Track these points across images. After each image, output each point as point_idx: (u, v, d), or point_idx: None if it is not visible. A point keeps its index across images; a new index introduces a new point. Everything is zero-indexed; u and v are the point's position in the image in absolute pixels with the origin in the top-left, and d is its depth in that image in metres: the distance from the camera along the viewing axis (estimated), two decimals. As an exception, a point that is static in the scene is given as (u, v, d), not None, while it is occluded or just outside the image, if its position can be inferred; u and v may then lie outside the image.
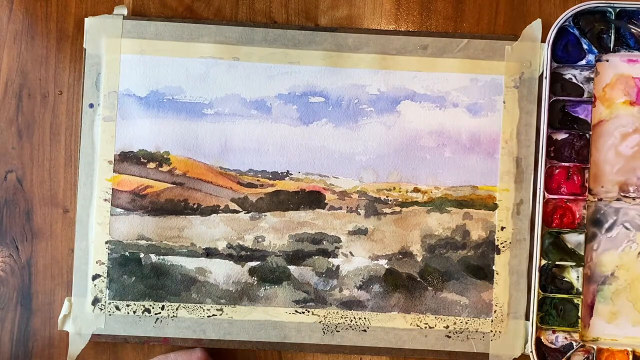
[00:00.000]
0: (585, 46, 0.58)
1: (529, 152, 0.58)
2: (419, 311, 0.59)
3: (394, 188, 0.59)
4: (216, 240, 0.59)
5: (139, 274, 0.58)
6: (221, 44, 0.59)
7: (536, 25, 0.58)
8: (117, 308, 0.58)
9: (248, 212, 0.59)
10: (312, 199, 0.59)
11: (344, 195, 0.59)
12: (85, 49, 0.58)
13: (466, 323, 0.59)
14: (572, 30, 0.58)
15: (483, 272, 0.59)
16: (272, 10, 0.60)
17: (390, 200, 0.59)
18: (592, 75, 0.58)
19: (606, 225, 0.59)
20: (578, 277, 0.58)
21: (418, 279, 0.59)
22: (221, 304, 0.59)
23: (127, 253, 0.58)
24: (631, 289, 0.59)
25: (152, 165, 0.59)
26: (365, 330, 0.59)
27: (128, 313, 0.58)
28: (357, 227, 0.59)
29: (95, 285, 0.58)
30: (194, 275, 0.59)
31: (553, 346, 0.59)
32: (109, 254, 0.58)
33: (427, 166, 0.59)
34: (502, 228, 0.59)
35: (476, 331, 0.59)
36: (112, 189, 0.58)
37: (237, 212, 0.59)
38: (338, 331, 0.59)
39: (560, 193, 0.59)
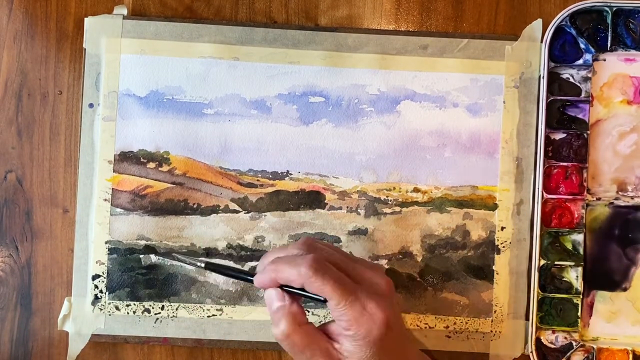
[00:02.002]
0: (582, 45, 0.59)
1: (529, 152, 0.59)
2: (419, 311, 0.59)
3: (394, 188, 0.59)
4: (216, 240, 0.59)
5: (139, 274, 0.58)
6: (221, 43, 0.59)
7: (536, 25, 0.59)
8: (117, 308, 0.58)
9: (248, 212, 0.59)
10: (312, 199, 0.59)
11: (344, 195, 0.59)
12: (85, 49, 0.58)
13: (466, 323, 0.59)
14: (569, 30, 0.59)
15: (483, 272, 0.59)
16: (272, 10, 0.60)
17: (390, 200, 0.59)
18: (589, 75, 0.59)
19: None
20: (577, 276, 0.58)
21: (418, 279, 0.59)
22: (221, 304, 0.59)
23: (127, 253, 0.58)
24: (630, 287, 0.59)
25: (152, 165, 0.59)
26: (365, 331, 0.59)
27: (128, 313, 0.58)
28: (357, 227, 0.59)
29: (95, 285, 0.58)
30: (194, 275, 0.59)
31: (553, 346, 0.59)
32: (108, 254, 0.58)
33: (427, 166, 0.59)
34: (502, 228, 0.59)
35: (476, 331, 0.59)
36: (112, 188, 0.58)
37: (237, 212, 0.59)
38: (338, 331, 0.59)
39: (558, 193, 0.59)
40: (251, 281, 0.47)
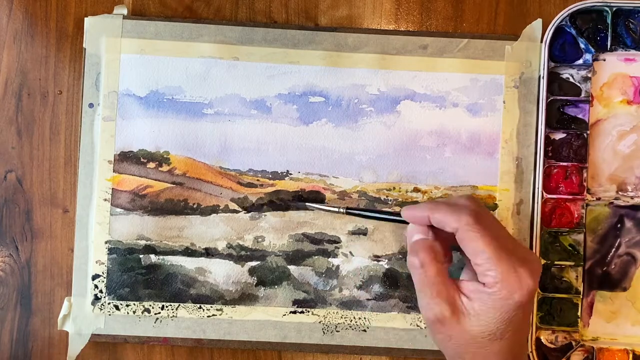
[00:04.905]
0: (582, 45, 0.59)
1: (529, 152, 0.59)
2: (419, 311, 0.59)
3: (394, 188, 0.59)
4: (216, 240, 0.59)
5: (138, 274, 0.58)
6: (221, 43, 0.59)
7: (536, 25, 0.59)
8: (117, 308, 0.58)
9: (248, 212, 0.59)
10: (312, 199, 0.59)
11: (344, 195, 0.59)
12: (85, 49, 0.58)
13: (466, 323, 0.59)
14: (569, 30, 0.59)
15: (483, 272, 0.59)
16: (272, 10, 0.60)
17: (390, 200, 0.59)
18: (589, 75, 0.59)
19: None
20: (577, 276, 0.58)
21: (418, 279, 0.59)
22: (221, 304, 0.59)
23: (126, 253, 0.58)
24: (630, 287, 0.59)
25: (152, 165, 0.59)
26: (365, 331, 0.59)
27: (128, 313, 0.58)
28: (357, 227, 0.59)
29: (95, 285, 0.58)
30: (194, 275, 0.59)
31: (553, 346, 0.59)
32: (108, 253, 0.58)
33: (427, 166, 0.59)
34: (502, 227, 0.59)
35: (476, 331, 0.59)
36: (112, 188, 0.58)
37: (237, 212, 0.59)
38: (338, 331, 0.59)
39: (558, 193, 0.59)
40: (398, 220, 0.47)
